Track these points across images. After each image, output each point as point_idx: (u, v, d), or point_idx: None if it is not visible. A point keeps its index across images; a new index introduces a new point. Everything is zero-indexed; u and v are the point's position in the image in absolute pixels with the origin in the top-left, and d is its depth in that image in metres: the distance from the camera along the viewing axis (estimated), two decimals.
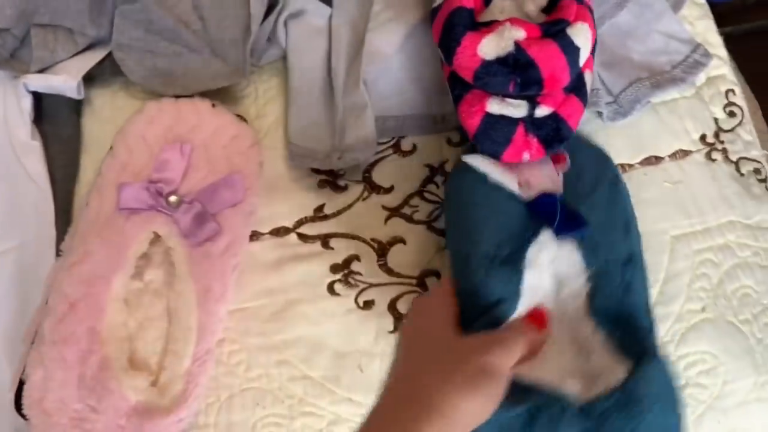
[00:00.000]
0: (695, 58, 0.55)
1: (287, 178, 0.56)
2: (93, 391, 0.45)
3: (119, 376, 0.46)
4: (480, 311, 0.40)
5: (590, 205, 0.43)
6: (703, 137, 0.55)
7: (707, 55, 0.56)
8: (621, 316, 0.40)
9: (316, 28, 0.57)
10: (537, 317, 0.40)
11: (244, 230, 0.51)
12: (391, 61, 0.56)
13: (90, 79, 0.59)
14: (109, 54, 0.59)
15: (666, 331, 0.49)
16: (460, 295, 0.41)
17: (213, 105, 0.54)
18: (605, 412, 0.36)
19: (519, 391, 0.37)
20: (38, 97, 0.59)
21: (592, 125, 0.54)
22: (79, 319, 0.47)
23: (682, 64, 0.54)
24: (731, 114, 0.56)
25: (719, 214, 0.52)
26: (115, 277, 0.48)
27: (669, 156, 0.54)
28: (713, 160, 0.54)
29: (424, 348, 0.39)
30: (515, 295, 0.40)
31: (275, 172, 0.56)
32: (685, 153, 0.54)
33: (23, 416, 0.46)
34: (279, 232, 0.54)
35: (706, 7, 0.60)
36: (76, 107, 0.60)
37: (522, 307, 0.41)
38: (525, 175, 0.44)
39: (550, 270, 0.42)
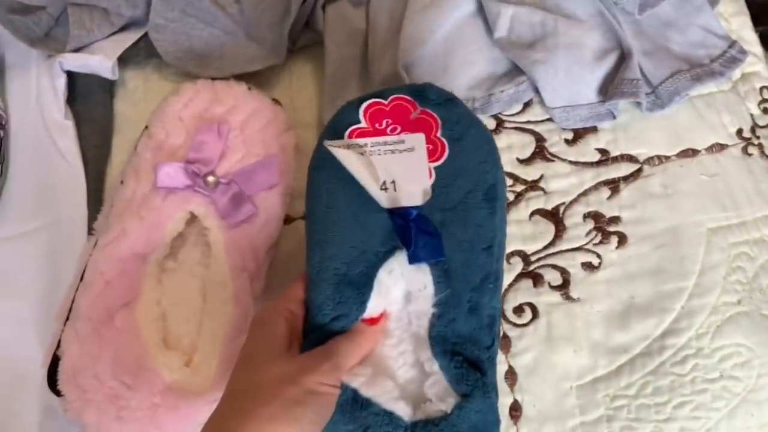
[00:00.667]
0: (732, 54, 0.56)
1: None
2: (127, 369, 0.45)
3: (154, 354, 0.46)
4: (319, 323, 0.40)
5: (458, 219, 0.41)
6: (739, 131, 0.55)
7: (743, 51, 0.56)
8: (460, 340, 0.40)
9: (353, 12, 0.57)
10: (374, 320, 0.41)
11: (279, 212, 0.51)
12: (426, 47, 0.56)
13: (123, 60, 0.59)
14: (144, 35, 0.60)
15: (701, 323, 0.49)
16: (307, 305, 0.41)
17: (249, 88, 0.54)
18: None
19: (354, 408, 0.38)
20: (71, 77, 0.60)
21: (628, 116, 0.55)
22: (115, 297, 0.47)
23: (720, 58, 0.55)
24: (765, 111, 0.57)
25: (755, 208, 0.53)
26: (151, 256, 0.49)
27: (705, 149, 0.54)
28: (749, 155, 0.55)
29: (251, 373, 0.38)
30: (358, 312, 0.40)
31: (309, 155, 0.56)
32: (722, 147, 0.55)
33: (57, 393, 0.46)
34: (286, 220, 0.55)
35: (742, 3, 0.60)
36: (108, 88, 0.61)
37: (374, 310, 0.41)
38: (392, 173, 0.41)
39: (401, 284, 0.41)
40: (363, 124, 0.43)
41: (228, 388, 0.38)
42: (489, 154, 0.43)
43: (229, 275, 0.48)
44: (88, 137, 0.59)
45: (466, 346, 0.40)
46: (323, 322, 0.40)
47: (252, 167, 0.51)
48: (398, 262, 0.41)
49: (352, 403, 0.38)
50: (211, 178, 0.50)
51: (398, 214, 0.41)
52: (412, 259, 0.40)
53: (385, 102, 0.43)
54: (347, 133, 0.43)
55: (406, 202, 0.41)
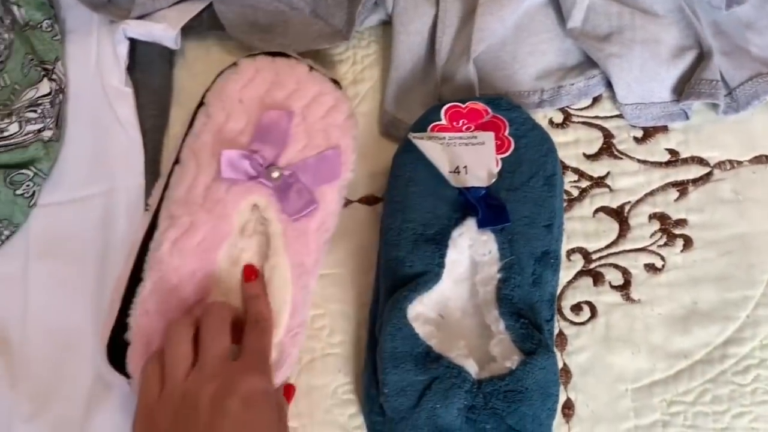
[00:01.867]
0: None
1: (379, 146, 0.56)
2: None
3: None
4: (405, 281, 0.46)
5: (520, 198, 0.48)
6: None
7: None
8: (524, 306, 0.45)
9: None
10: (287, 391, 0.48)
11: (337, 206, 0.52)
12: (497, 35, 0.56)
13: (185, 30, 0.60)
14: (208, 6, 0.60)
15: (767, 334, 0.49)
16: (389, 264, 0.48)
17: (310, 68, 0.55)
18: (493, 392, 0.42)
19: (427, 360, 0.44)
20: (131, 45, 0.60)
21: (701, 117, 0.55)
22: (188, 293, 0.48)
23: None
24: None
25: None
26: (221, 250, 0.49)
27: None
28: None
29: None
30: (438, 268, 0.46)
31: (368, 140, 0.56)
32: None
33: (119, 370, 0.47)
34: (369, 200, 0.55)
35: None
36: (169, 58, 0.62)
37: (446, 279, 0.47)
38: (464, 161, 0.48)
39: (468, 253, 0.48)
40: (443, 122, 0.51)
41: None
42: (549, 151, 0.51)
43: (288, 269, 0.49)
44: (146, 106, 0.60)
45: (529, 313, 0.45)
46: (407, 274, 0.46)
47: (314, 161, 0.51)
48: (467, 227, 0.47)
49: (426, 355, 0.44)
50: (275, 174, 0.50)
51: (466, 194, 0.48)
52: (481, 224, 0.46)
53: (463, 106, 0.51)
54: (429, 128, 0.51)
55: (474, 183, 0.48)
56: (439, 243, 0.47)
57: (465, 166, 0.48)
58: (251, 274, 0.49)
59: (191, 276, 0.49)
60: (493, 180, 0.48)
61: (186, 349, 0.43)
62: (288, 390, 0.48)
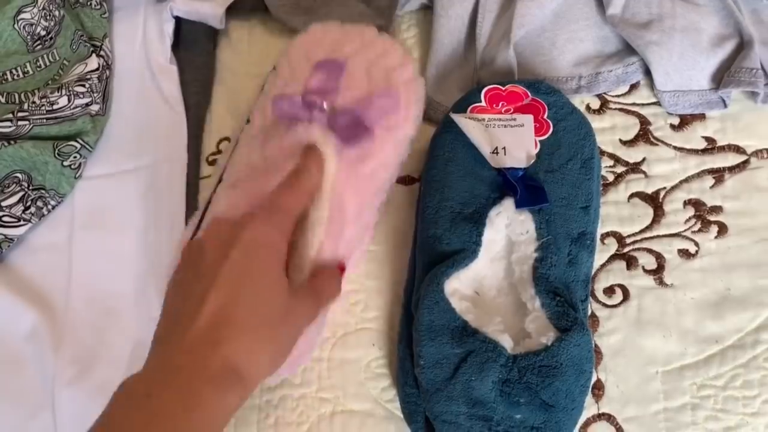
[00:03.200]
0: None
1: (421, 130, 0.57)
2: None
3: None
4: (442, 258, 0.47)
5: (557, 179, 0.49)
6: None
7: None
8: (560, 285, 0.46)
9: None
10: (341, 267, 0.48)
11: (393, 160, 0.52)
12: (536, 21, 0.57)
13: (229, 10, 0.62)
14: None
15: None
16: (426, 242, 0.49)
17: (379, 31, 0.54)
18: (528, 366, 0.43)
19: (463, 334, 0.45)
20: (176, 24, 0.62)
21: (738, 106, 0.55)
22: None
23: None
24: None
25: None
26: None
27: None
28: None
29: (250, 298, 0.41)
30: (476, 246, 0.48)
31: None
32: None
33: None
34: (405, 180, 0.57)
35: None
36: (212, 37, 0.63)
37: (482, 257, 0.48)
38: (503, 142, 0.49)
39: (505, 232, 0.49)
40: (483, 103, 0.52)
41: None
42: (587, 135, 0.51)
43: (326, 209, 0.48)
44: (189, 83, 0.62)
45: (565, 292, 0.46)
46: (445, 251, 0.48)
47: (371, 96, 0.51)
48: (505, 207, 0.48)
49: (462, 329, 0.45)
50: (326, 106, 0.50)
51: (505, 175, 0.49)
52: (519, 204, 0.47)
53: (503, 89, 0.52)
54: (469, 109, 0.52)
55: (513, 163, 0.49)
56: (477, 222, 0.48)
57: (504, 147, 0.49)
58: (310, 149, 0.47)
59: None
60: (532, 161, 0.49)
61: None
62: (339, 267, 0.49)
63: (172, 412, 0.37)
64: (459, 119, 0.50)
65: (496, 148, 0.49)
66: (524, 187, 0.48)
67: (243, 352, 0.39)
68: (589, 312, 0.51)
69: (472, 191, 0.49)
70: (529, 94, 0.52)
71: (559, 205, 0.48)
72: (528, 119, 0.50)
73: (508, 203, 0.48)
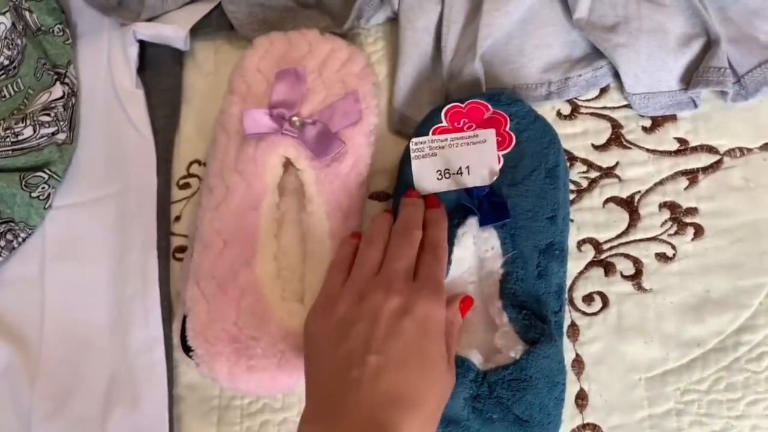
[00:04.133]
0: None
1: (389, 143, 0.57)
2: (251, 322, 0.48)
3: (274, 306, 0.49)
4: None
5: (521, 192, 0.49)
6: None
7: None
8: (529, 299, 0.46)
9: None
10: (466, 302, 0.47)
11: (366, 150, 0.53)
12: (504, 30, 0.56)
13: (194, 31, 0.61)
14: (216, 7, 0.61)
15: None
16: None
17: (321, 32, 0.56)
18: (497, 381, 0.44)
19: None
20: (141, 47, 0.62)
21: (709, 105, 0.55)
22: (236, 256, 0.50)
23: None
24: None
25: None
26: (262, 208, 0.51)
27: None
28: None
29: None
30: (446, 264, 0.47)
31: (378, 136, 0.57)
32: None
33: (186, 350, 0.49)
34: (380, 196, 0.56)
35: None
36: (178, 59, 0.63)
37: (453, 275, 0.48)
38: (466, 160, 0.50)
39: (473, 250, 0.49)
40: (444, 123, 0.52)
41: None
42: (551, 142, 0.51)
43: (324, 214, 0.51)
44: (157, 107, 0.61)
45: (534, 305, 0.46)
46: None
47: (333, 105, 0.53)
48: (469, 226, 0.48)
49: None
50: (295, 119, 0.52)
51: (466, 195, 0.49)
52: (482, 222, 0.48)
53: (463, 105, 0.52)
54: (431, 131, 0.52)
55: (476, 182, 0.50)
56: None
57: (467, 167, 0.50)
58: (434, 202, 0.49)
59: (236, 238, 0.50)
60: (495, 178, 0.49)
61: (378, 256, 0.45)
62: (466, 302, 0.47)
63: None
64: (419, 144, 0.51)
65: (459, 168, 0.50)
66: (487, 205, 0.48)
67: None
68: (569, 321, 0.51)
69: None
70: (490, 107, 0.52)
71: (524, 218, 0.48)
72: (490, 134, 0.51)
73: (472, 222, 0.48)
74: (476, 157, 0.50)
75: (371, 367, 0.39)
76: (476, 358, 0.45)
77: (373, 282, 0.43)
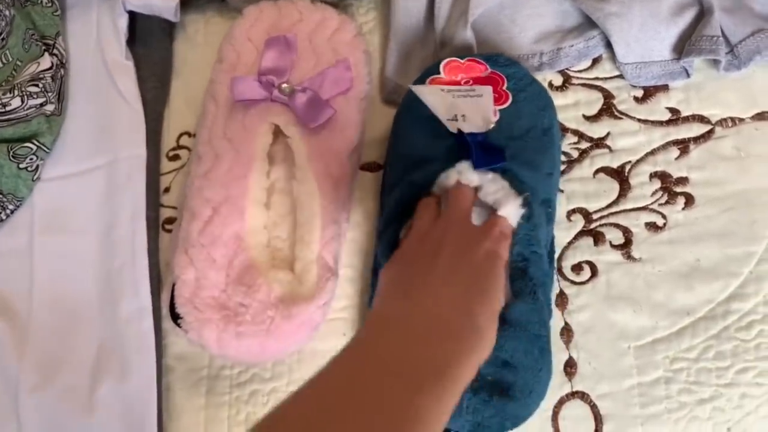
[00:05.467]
0: None
1: (381, 114, 0.57)
2: (241, 289, 0.48)
3: (264, 273, 0.49)
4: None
5: (521, 145, 0.49)
6: None
7: None
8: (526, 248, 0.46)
9: None
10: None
11: (357, 117, 0.54)
12: (495, 0, 0.56)
13: (184, 3, 0.61)
14: None
15: None
16: (388, 212, 0.49)
17: (312, 1, 0.56)
18: None
19: None
20: (131, 19, 0.61)
21: (701, 75, 0.55)
22: (224, 223, 0.50)
23: None
24: None
25: None
26: (251, 175, 0.51)
27: None
28: None
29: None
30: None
31: (370, 107, 0.57)
32: None
33: (175, 317, 0.49)
34: (372, 167, 0.56)
35: None
36: (169, 31, 0.63)
37: None
38: (462, 110, 0.50)
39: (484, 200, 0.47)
40: (442, 75, 0.52)
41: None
42: (546, 105, 0.52)
43: (314, 182, 0.51)
44: (147, 79, 0.61)
45: (528, 257, 0.45)
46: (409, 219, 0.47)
47: (323, 72, 0.53)
48: (459, 169, 0.47)
49: None
50: (285, 86, 0.52)
51: (460, 138, 0.48)
52: (477, 164, 0.47)
53: (462, 61, 0.52)
54: (428, 80, 0.52)
55: (472, 129, 0.49)
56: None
57: (463, 115, 0.49)
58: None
59: (224, 205, 0.50)
60: (491, 126, 0.49)
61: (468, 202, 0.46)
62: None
63: (426, 339, 0.37)
64: (417, 88, 0.50)
65: (455, 115, 0.49)
66: (481, 148, 0.47)
67: (487, 324, 0.39)
68: (557, 290, 0.51)
69: (433, 160, 0.49)
70: (488, 66, 0.52)
71: (526, 168, 0.48)
72: (487, 90, 0.50)
73: (462, 166, 0.47)
74: (472, 109, 0.50)
75: (439, 270, 0.41)
76: None
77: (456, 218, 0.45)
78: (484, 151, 0.47)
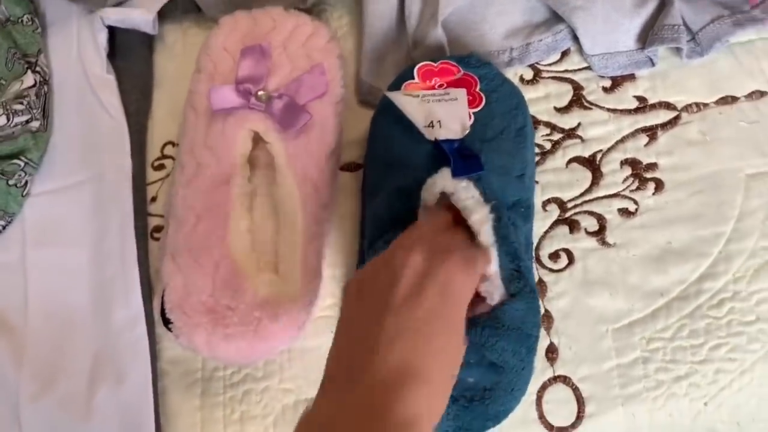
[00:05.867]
0: None
1: (358, 116, 0.59)
2: (227, 293, 0.50)
3: (249, 276, 0.50)
4: (386, 231, 0.48)
5: (494, 148, 0.50)
6: None
7: None
8: (514, 252, 0.46)
9: None
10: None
11: (333, 120, 0.55)
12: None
13: (161, 15, 0.62)
14: None
15: (739, 268, 0.52)
16: (371, 218, 0.51)
17: (286, 9, 0.58)
18: (474, 327, 0.44)
19: None
20: (111, 33, 0.63)
21: (666, 63, 0.57)
22: (208, 229, 0.51)
23: (761, 4, 0.56)
24: None
25: None
26: (233, 182, 0.53)
27: (745, 96, 0.56)
28: None
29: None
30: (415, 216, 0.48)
31: (347, 109, 0.59)
32: (762, 94, 0.56)
33: (166, 322, 0.50)
34: (351, 167, 0.58)
35: None
36: (148, 43, 0.64)
37: None
38: (438, 116, 0.50)
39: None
40: (416, 80, 0.53)
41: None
42: (519, 104, 0.53)
43: (294, 185, 0.52)
44: (129, 92, 0.62)
45: (523, 255, 0.46)
46: (388, 224, 0.48)
47: (299, 78, 0.55)
48: (440, 177, 0.47)
49: None
50: (261, 93, 0.54)
51: (439, 146, 0.49)
52: (455, 173, 0.47)
53: (435, 65, 0.53)
54: (403, 87, 0.53)
55: (448, 135, 0.50)
56: (417, 195, 0.48)
57: (438, 121, 0.50)
58: None
59: (208, 212, 0.52)
60: (466, 132, 0.50)
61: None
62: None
63: None
64: (393, 96, 0.52)
65: (431, 122, 0.50)
66: (459, 156, 0.49)
67: (425, 406, 0.36)
68: (536, 279, 0.53)
69: (411, 166, 0.50)
70: (461, 68, 0.53)
71: (497, 173, 0.49)
72: (461, 93, 0.52)
73: (444, 173, 0.48)
74: (447, 113, 0.51)
75: (385, 328, 0.37)
76: None
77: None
78: (462, 159, 0.48)
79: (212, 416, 0.53)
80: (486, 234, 0.45)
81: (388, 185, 0.50)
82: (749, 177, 0.54)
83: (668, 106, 0.56)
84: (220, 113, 0.53)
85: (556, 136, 0.56)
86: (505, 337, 0.45)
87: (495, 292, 0.46)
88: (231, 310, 0.49)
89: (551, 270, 0.53)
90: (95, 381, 0.54)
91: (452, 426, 0.45)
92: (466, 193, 0.47)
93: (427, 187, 0.48)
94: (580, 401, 0.50)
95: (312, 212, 0.52)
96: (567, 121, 0.57)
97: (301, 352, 0.53)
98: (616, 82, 0.57)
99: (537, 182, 0.55)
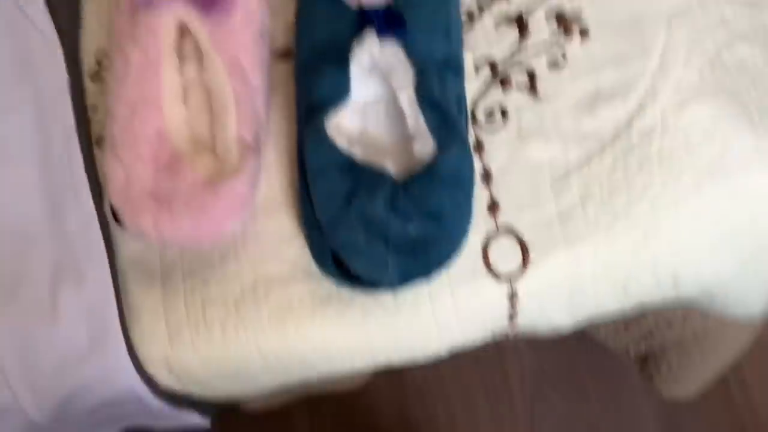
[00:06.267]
0: None
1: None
2: (168, 176, 0.51)
3: (189, 161, 0.52)
4: (317, 102, 0.50)
5: (416, 10, 0.51)
6: None
7: None
8: (438, 106, 0.49)
9: None
10: None
11: (257, 2, 0.55)
12: None
13: None
14: None
15: (666, 102, 0.53)
16: (301, 90, 0.52)
17: None
18: (412, 182, 0.47)
19: (351, 168, 0.48)
20: None
21: None
22: (143, 121, 0.52)
23: None
24: None
25: None
26: (162, 73, 0.53)
27: None
28: None
29: None
30: (345, 83, 0.50)
31: None
32: None
33: (117, 218, 0.52)
34: (286, 52, 0.58)
35: None
36: None
37: (360, 91, 0.51)
38: None
39: (378, 67, 0.51)
40: None
41: None
42: None
43: (224, 72, 0.53)
44: (58, 8, 0.62)
45: (443, 107, 0.49)
46: (318, 94, 0.51)
47: None
48: (367, 39, 0.50)
49: (349, 164, 0.48)
50: None
51: (363, 10, 0.51)
52: (380, 32, 0.49)
53: None
54: None
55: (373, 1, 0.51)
56: (344, 60, 0.50)
57: None
58: None
59: (142, 104, 0.52)
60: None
61: None
62: None
63: None
64: None
65: None
66: (383, 17, 0.50)
67: None
68: (473, 139, 0.54)
69: (337, 32, 0.51)
70: None
71: (420, 30, 0.50)
72: None
73: (369, 36, 0.50)
74: None
75: None
76: (391, 168, 0.48)
77: None
78: (386, 19, 0.50)
79: (175, 305, 0.54)
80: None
81: (315, 54, 0.51)
82: (671, 15, 0.55)
83: None
84: (143, 6, 0.53)
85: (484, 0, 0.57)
86: (440, 186, 0.46)
87: (427, 149, 0.48)
88: (173, 191, 0.50)
89: (487, 129, 0.54)
90: (57, 285, 0.55)
91: (397, 275, 0.47)
92: (394, 57, 0.50)
93: (356, 52, 0.49)
94: (524, 247, 0.52)
95: (245, 93, 0.53)
96: None
97: (254, 235, 0.55)
98: None
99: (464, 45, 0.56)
